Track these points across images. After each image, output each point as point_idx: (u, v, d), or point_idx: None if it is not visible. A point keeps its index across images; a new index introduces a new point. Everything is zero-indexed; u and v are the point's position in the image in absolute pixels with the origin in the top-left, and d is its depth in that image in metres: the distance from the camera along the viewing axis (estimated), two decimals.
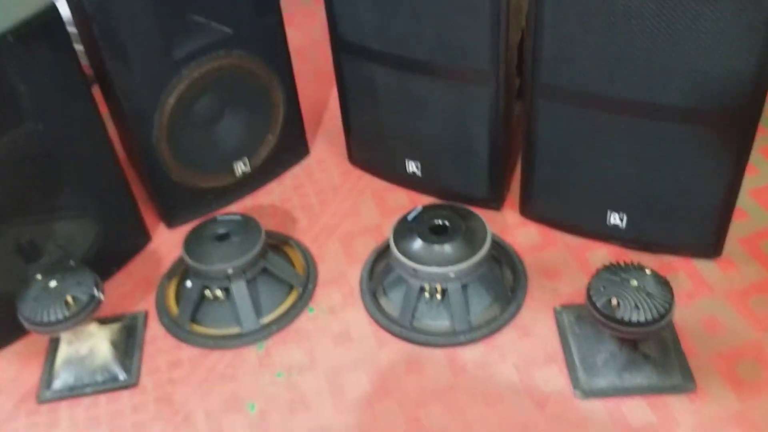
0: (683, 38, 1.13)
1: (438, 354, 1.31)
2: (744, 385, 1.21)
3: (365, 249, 1.52)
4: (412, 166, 1.59)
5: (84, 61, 1.37)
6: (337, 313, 1.40)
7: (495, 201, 1.56)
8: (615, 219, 1.40)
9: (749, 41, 1.10)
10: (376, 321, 1.37)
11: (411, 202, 1.62)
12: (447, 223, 1.36)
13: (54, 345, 1.35)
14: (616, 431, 1.16)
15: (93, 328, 1.32)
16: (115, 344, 1.34)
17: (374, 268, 1.48)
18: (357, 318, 1.39)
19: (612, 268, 1.19)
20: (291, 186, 1.71)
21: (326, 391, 1.27)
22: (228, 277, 1.34)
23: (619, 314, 1.13)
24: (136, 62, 1.37)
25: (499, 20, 1.27)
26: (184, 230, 1.57)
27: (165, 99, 1.44)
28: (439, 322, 1.35)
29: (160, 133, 1.47)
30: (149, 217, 1.60)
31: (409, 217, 1.39)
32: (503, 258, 1.46)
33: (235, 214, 1.42)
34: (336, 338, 1.36)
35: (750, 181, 1.56)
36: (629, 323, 1.13)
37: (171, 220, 1.60)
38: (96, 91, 1.41)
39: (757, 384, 1.21)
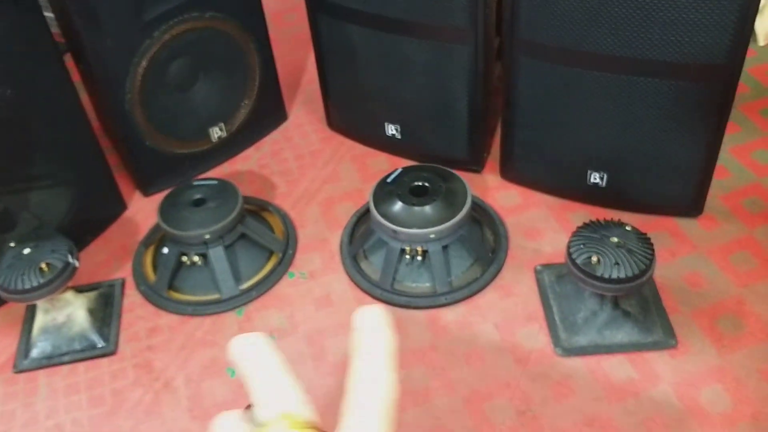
0: None
1: (419, 315, 1.30)
2: (724, 339, 1.21)
3: (346, 214, 1.50)
4: (391, 129, 1.57)
5: (55, 29, 1.33)
6: (318, 277, 1.39)
7: (475, 163, 1.54)
8: (595, 178, 1.39)
9: None
10: (357, 284, 1.36)
11: (391, 165, 1.59)
12: (427, 184, 1.34)
13: (30, 314, 1.32)
14: (597, 388, 1.16)
15: (70, 295, 1.29)
16: (92, 312, 1.33)
17: (354, 232, 1.46)
18: (338, 282, 1.37)
19: (592, 226, 1.19)
20: (269, 152, 1.68)
21: (307, 354, 1.26)
22: (205, 243, 1.32)
23: (599, 271, 1.13)
24: (107, 25, 1.34)
25: None
26: (159, 198, 1.53)
27: (137, 62, 1.40)
28: (420, 284, 1.34)
29: (134, 97, 1.43)
30: (124, 185, 1.58)
31: (389, 180, 1.37)
32: (484, 219, 1.45)
33: (211, 178, 1.39)
34: (317, 302, 1.34)
35: (731, 139, 1.56)
36: (609, 280, 1.12)
37: (146, 187, 1.57)
38: (68, 60, 1.38)
39: (737, 338, 1.21)
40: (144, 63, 1.41)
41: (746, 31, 1.13)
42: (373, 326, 0.35)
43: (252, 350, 0.35)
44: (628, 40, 1.19)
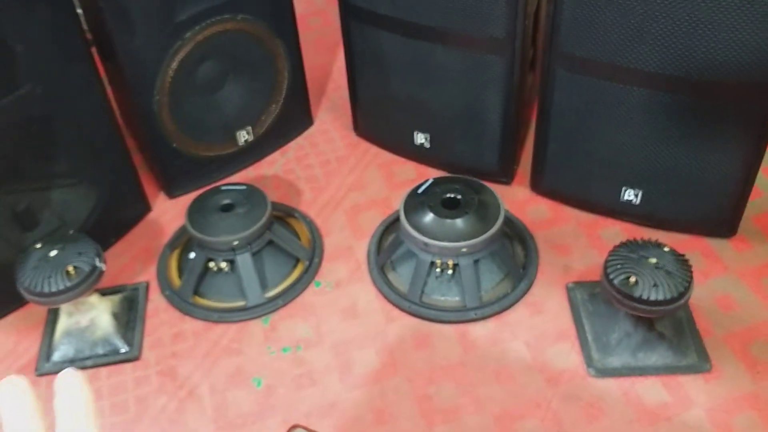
0: (708, 9, 1.09)
1: (448, 330, 1.29)
2: (759, 365, 1.19)
3: (372, 223, 1.49)
4: (420, 138, 1.55)
5: (83, 26, 1.31)
6: (344, 287, 1.37)
7: (505, 175, 1.52)
8: (629, 195, 1.37)
9: None
10: (384, 296, 1.34)
11: (419, 174, 1.58)
12: (459, 196, 1.32)
13: (53, 316, 1.31)
14: (630, 411, 1.15)
15: (94, 299, 1.28)
16: (116, 316, 1.31)
17: (382, 242, 1.44)
18: (364, 293, 1.36)
19: (629, 245, 1.17)
20: (294, 157, 1.66)
21: (333, 366, 1.24)
22: (233, 249, 1.30)
23: (637, 292, 1.11)
24: (139, 24, 1.32)
25: None
26: (184, 200, 1.53)
27: (168, 63, 1.39)
28: (449, 297, 1.32)
29: (162, 99, 1.41)
30: (149, 186, 1.56)
31: (420, 190, 1.35)
32: (514, 233, 1.43)
33: (239, 183, 1.37)
34: (343, 313, 1.32)
35: (765, 159, 1.53)
36: (647, 302, 1.10)
37: (171, 189, 1.55)
38: (96, 54, 1.36)
39: None
40: (174, 64, 1.39)
41: None
42: (70, 387, 0.40)
43: (70, 388, 0.40)
44: (672, 57, 1.17)
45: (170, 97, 1.43)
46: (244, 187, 1.36)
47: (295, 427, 0.82)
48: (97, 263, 1.19)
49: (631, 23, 1.16)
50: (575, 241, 1.41)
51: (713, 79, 1.17)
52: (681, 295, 1.11)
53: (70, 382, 0.40)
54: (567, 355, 1.23)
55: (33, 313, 1.33)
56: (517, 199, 1.51)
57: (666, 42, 1.15)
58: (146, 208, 1.53)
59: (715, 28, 1.11)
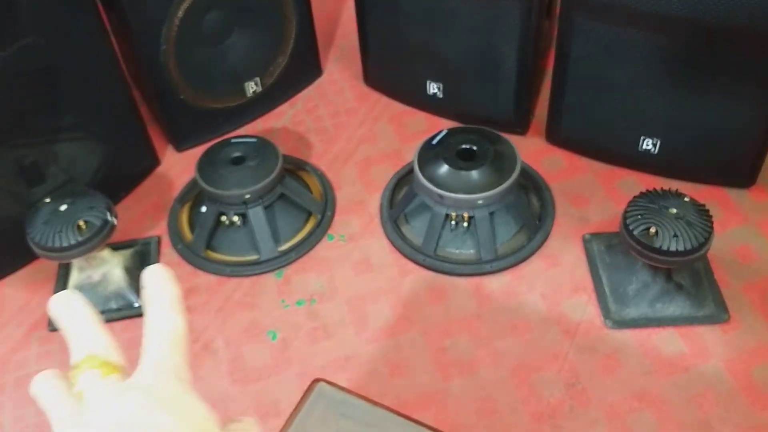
0: None
1: (463, 283, 1.28)
2: None
3: (384, 176, 1.46)
4: (433, 88, 1.51)
5: None
6: (357, 240, 1.35)
7: (520, 125, 1.49)
8: (647, 144, 1.34)
9: None
10: (398, 249, 1.33)
11: (431, 125, 1.55)
12: (474, 147, 1.30)
13: (64, 271, 1.30)
14: (647, 362, 1.14)
15: (105, 254, 1.26)
16: (128, 270, 1.30)
17: (394, 195, 1.42)
18: (378, 246, 1.34)
19: (649, 195, 1.15)
20: (303, 108, 1.63)
21: (348, 320, 1.23)
22: (245, 203, 1.28)
23: (656, 243, 1.09)
24: None
25: None
26: (192, 153, 1.51)
27: (174, 12, 1.35)
28: (464, 250, 1.30)
29: (169, 49, 1.38)
30: (157, 139, 1.53)
31: (434, 141, 1.32)
32: (529, 185, 1.41)
33: (250, 136, 1.35)
34: (356, 266, 1.31)
35: None
36: (667, 252, 1.09)
37: (179, 142, 1.53)
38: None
39: None
40: (180, 13, 1.36)
41: None
42: (157, 280, 0.42)
43: (66, 306, 0.40)
44: (694, 1, 1.12)
45: (176, 47, 1.39)
46: (254, 140, 1.33)
47: (317, 380, 0.81)
48: (109, 217, 1.18)
49: None
50: (592, 192, 1.39)
51: (733, 23, 1.13)
52: (701, 245, 1.09)
53: (157, 275, 0.42)
54: (584, 307, 1.22)
55: (44, 268, 1.32)
56: (532, 150, 1.48)
57: None
58: (155, 162, 1.51)
59: None
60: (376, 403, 0.81)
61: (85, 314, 0.40)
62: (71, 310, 0.40)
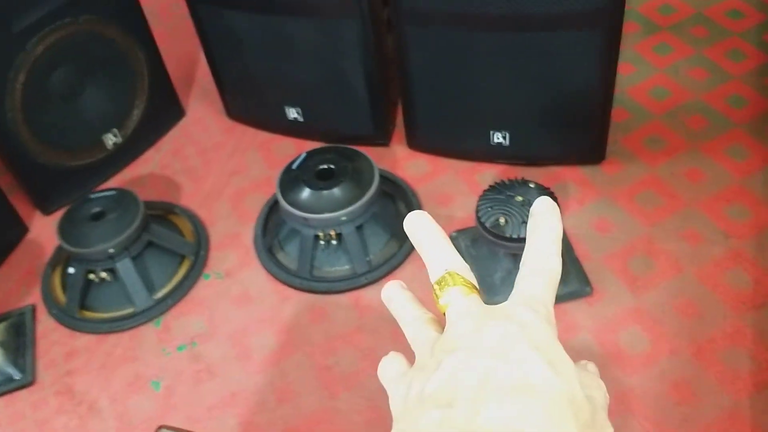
0: None
1: (342, 299, 1.30)
2: (638, 280, 1.24)
3: (256, 205, 1.47)
4: (292, 113, 1.53)
5: None
6: (234, 275, 1.36)
7: (381, 137, 1.53)
8: (498, 138, 1.39)
9: None
10: (275, 276, 1.34)
11: (298, 149, 1.56)
12: (333, 166, 1.32)
13: None
14: None
15: None
16: (4, 344, 1.27)
17: (267, 224, 1.43)
18: (255, 277, 1.35)
19: (497, 187, 1.19)
20: (170, 151, 1.63)
21: (232, 356, 1.24)
22: (111, 257, 1.27)
23: (507, 231, 1.14)
24: None
25: None
26: (61, 214, 1.48)
27: (14, 77, 1.33)
28: (339, 267, 1.33)
29: (16, 115, 1.36)
30: (22, 206, 1.50)
31: (294, 166, 1.34)
32: (396, 193, 1.44)
33: (108, 189, 1.34)
34: (236, 301, 1.32)
35: (628, 80, 1.58)
36: (518, 239, 1.13)
37: (46, 205, 1.51)
38: None
39: (649, 277, 1.24)
40: (21, 77, 1.34)
41: None
42: (545, 212, 0.40)
43: (421, 223, 0.41)
44: None
45: (25, 112, 1.37)
46: (113, 192, 1.32)
47: (160, 427, 0.81)
48: None
49: None
50: (455, 189, 1.43)
51: (552, 11, 1.19)
52: None
53: (549, 208, 0.40)
54: None
55: None
56: (397, 157, 1.52)
57: None
58: (23, 229, 1.48)
59: None
60: None
61: (439, 232, 0.40)
62: (426, 227, 0.40)
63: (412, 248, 1.33)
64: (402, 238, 1.34)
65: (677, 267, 1.25)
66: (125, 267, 1.28)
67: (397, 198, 1.43)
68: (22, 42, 1.32)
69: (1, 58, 1.31)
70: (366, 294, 1.29)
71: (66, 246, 1.26)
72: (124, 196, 1.31)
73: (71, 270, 1.31)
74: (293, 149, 1.57)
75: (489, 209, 1.16)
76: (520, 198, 1.16)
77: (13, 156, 1.41)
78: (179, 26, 1.87)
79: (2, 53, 1.31)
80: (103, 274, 1.29)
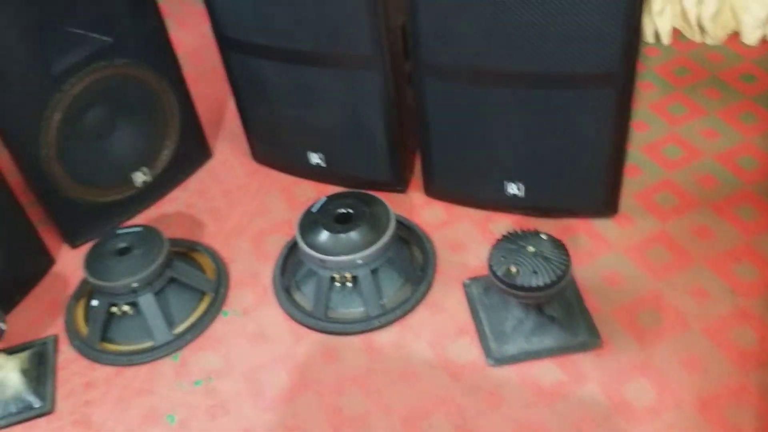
0: (551, 5, 1.16)
1: (355, 341, 1.33)
2: (646, 333, 1.26)
3: (277, 245, 1.52)
4: (315, 158, 1.59)
5: None
6: (251, 313, 1.40)
7: (399, 184, 1.57)
8: (513, 189, 1.43)
9: (614, 3, 1.13)
10: (291, 316, 1.37)
11: (319, 193, 1.61)
12: (351, 210, 1.37)
13: None
14: (528, 394, 1.20)
15: (1, 359, 1.28)
16: (26, 372, 1.31)
17: (286, 264, 1.47)
18: (272, 316, 1.39)
19: (510, 237, 1.23)
20: (196, 190, 1.68)
21: (245, 392, 1.27)
22: (134, 291, 1.32)
23: (519, 281, 1.17)
24: (13, 81, 1.32)
25: (376, 4, 1.28)
26: (88, 248, 1.54)
27: (50, 116, 1.40)
28: (353, 309, 1.36)
29: (50, 153, 1.42)
30: (51, 238, 1.56)
31: (314, 209, 1.39)
32: (412, 238, 1.48)
33: (135, 225, 1.39)
34: (252, 339, 1.35)
35: (641, 138, 1.62)
36: (529, 288, 1.16)
37: (73, 239, 1.56)
38: None
39: (658, 331, 1.26)
40: (57, 116, 1.41)
41: (634, 41, 1.18)
42: None
43: None
44: (524, 55, 1.23)
45: (59, 150, 1.44)
46: (139, 229, 1.38)
47: None
48: None
49: (482, 27, 1.22)
50: (470, 238, 1.47)
51: (566, 71, 1.24)
52: (560, 278, 1.17)
53: None
54: (468, 349, 1.28)
55: None
56: (414, 204, 1.56)
57: (516, 41, 1.21)
58: (50, 261, 1.53)
59: (560, 24, 1.17)
60: None
61: None
62: None
63: (425, 293, 1.37)
64: (415, 283, 1.38)
65: (684, 322, 1.27)
66: (147, 302, 1.32)
67: (412, 243, 1.47)
68: (60, 83, 1.39)
69: (39, 98, 1.37)
70: (378, 336, 1.33)
71: (91, 279, 1.31)
72: (149, 233, 1.36)
73: (94, 302, 1.36)
74: (314, 193, 1.62)
75: (501, 258, 1.20)
76: (532, 249, 1.19)
77: (45, 190, 1.47)
78: (208, 71, 1.95)
79: (40, 93, 1.37)
80: (126, 308, 1.33)
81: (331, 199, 1.41)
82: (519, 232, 1.23)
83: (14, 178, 1.46)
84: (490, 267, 1.20)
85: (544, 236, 1.22)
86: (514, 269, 1.17)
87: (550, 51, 1.21)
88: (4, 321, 1.23)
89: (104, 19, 1.42)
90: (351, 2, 1.29)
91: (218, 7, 1.42)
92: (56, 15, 1.36)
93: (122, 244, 1.34)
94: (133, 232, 1.37)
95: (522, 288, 1.17)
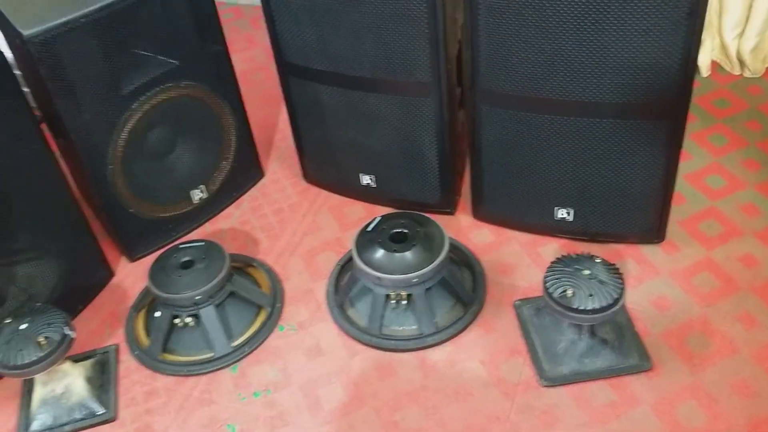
0: (610, 37, 1.21)
1: (408, 358, 1.36)
2: (695, 357, 1.29)
3: (328, 263, 1.56)
4: (366, 179, 1.64)
5: (31, 102, 1.38)
6: (307, 328, 1.44)
7: (448, 206, 1.62)
8: (562, 214, 1.48)
9: (673, 36, 1.18)
10: (346, 332, 1.41)
11: (368, 213, 1.66)
12: (406, 230, 1.41)
13: (28, 387, 1.35)
14: (581, 414, 1.23)
15: (67, 366, 1.32)
16: (90, 380, 1.35)
17: (339, 281, 1.52)
18: (326, 331, 1.43)
19: (564, 260, 1.26)
20: (249, 208, 1.74)
21: (303, 405, 1.30)
22: (196, 304, 1.36)
23: (575, 303, 1.20)
24: (86, 100, 1.39)
25: (437, 34, 1.33)
26: (144, 261, 1.60)
27: (117, 134, 1.46)
28: (406, 326, 1.40)
29: (115, 167, 1.48)
30: (110, 251, 1.61)
31: (369, 228, 1.43)
32: (461, 260, 1.52)
33: (197, 240, 1.44)
34: (308, 353, 1.39)
35: (685, 167, 1.66)
36: (585, 311, 1.20)
37: (132, 252, 1.61)
38: (46, 130, 1.42)
39: (706, 355, 1.29)
40: (124, 134, 1.47)
41: (690, 72, 1.23)
42: None
43: None
44: (582, 85, 1.28)
45: (123, 165, 1.49)
46: (202, 243, 1.42)
47: None
48: (67, 332, 1.25)
49: (542, 59, 1.27)
50: (518, 260, 1.51)
51: (624, 100, 1.28)
52: (615, 301, 1.20)
53: None
54: (520, 369, 1.31)
55: (9, 385, 1.37)
56: (462, 226, 1.61)
57: (575, 72, 1.26)
58: (110, 274, 1.59)
59: (619, 56, 1.22)
60: None
61: None
62: None
63: (476, 314, 1.41)
64: (467, 303, 1.42)
65: (732, 347, 1.30)
66: (208, 314, 1.37)
67: (462, 265, 1.51)
68: (129, 103, 1.45)
69: (110, 117, 1.44)
70: (431, 354, 1.36)
71: (155, 291, 1.36)
72: (211, 248, 1.41)
73: (158, 313, 1.41)
74: (364, 213, 1.67)
75: (556, 280, 1.23)
76: (587, 272, 1.23)
77: (109, 204, 1.52)
78: (259, 93, 2.02)
79: (111, 112, 1.43)
80: (188, 320, 1.37)
81: (386, 218, 1.45)
82: (573, 255, 1.27)
83: (76, 192, 1.52)
84: (546, 289, 1.24)
85: (598, 260, 1.26)
86: (570, 292, 1.21)
87: (607, 82, 1.26)
88: (72, 329, 1.28)
89: (171, 42, 1.48)
90: (413, 32, 1.35)
91: (282, 35, 1.48)
92: (128, 38, 1.42)
93: (185, 258, 1.39)
94: (196, 246, 1.41)
95: (578, 310, 1.20)
